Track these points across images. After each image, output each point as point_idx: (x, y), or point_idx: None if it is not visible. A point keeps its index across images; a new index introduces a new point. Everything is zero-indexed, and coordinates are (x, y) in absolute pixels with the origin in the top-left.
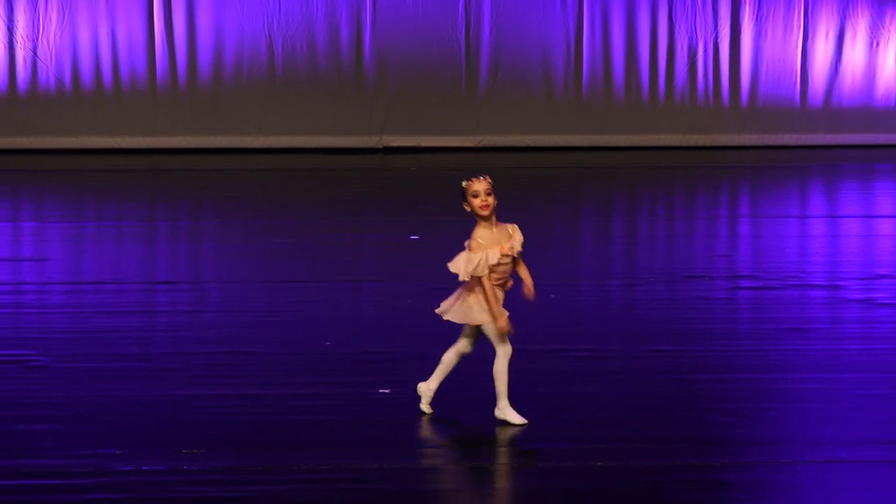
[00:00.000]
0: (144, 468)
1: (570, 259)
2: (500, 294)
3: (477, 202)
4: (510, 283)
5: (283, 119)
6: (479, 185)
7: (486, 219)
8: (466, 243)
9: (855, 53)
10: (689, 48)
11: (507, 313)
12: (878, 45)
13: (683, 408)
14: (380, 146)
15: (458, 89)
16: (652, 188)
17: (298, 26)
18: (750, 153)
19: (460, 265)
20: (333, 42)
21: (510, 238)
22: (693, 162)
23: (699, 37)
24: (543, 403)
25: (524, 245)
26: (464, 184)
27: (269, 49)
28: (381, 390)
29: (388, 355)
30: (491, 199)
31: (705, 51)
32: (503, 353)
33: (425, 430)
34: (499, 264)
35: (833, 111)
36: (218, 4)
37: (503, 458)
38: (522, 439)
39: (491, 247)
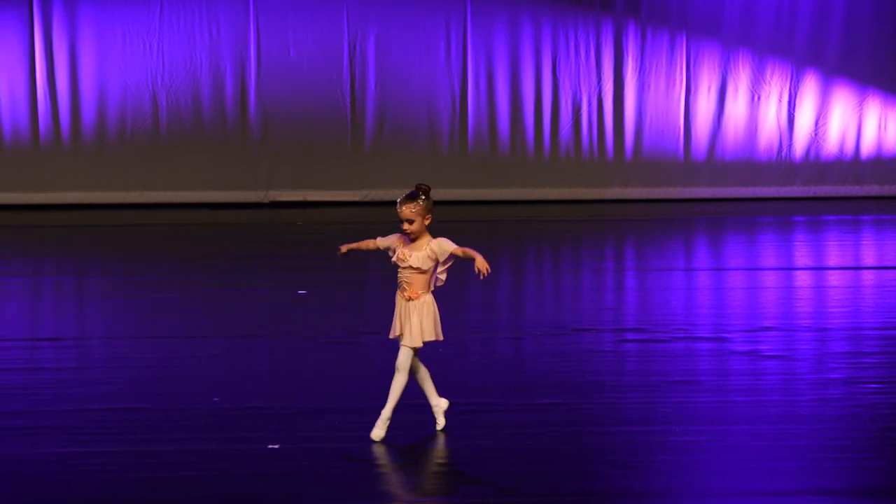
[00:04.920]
0: None
1: (457, 312)
2: (400, 298)
3: (403, 225)
4: (409, 293)
5: (169, 174)
6: (399, 211)
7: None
8: None
9: (737, 107)
10: (574, 102)
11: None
12: (759, 98)
13: (572, 461)
14: (266, 201)
15: (344, 143)
16: (538, 242)
17: (183, 81)
18: (635, 206)
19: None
20: (218, 96)
21: (419, 250)
22: (578, 216)
23: (583, 91)
24: (431, 457)
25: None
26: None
27: (154, 104)
28: (269, 445)
29: (276, 410)
30: (408, 227)
31: (589, 105)
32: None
33: (312, 485)
34: (399, 267)
35: (716, 164)
36: (101, 59)
37: None
38: (410, 493)
39: (396, 244)
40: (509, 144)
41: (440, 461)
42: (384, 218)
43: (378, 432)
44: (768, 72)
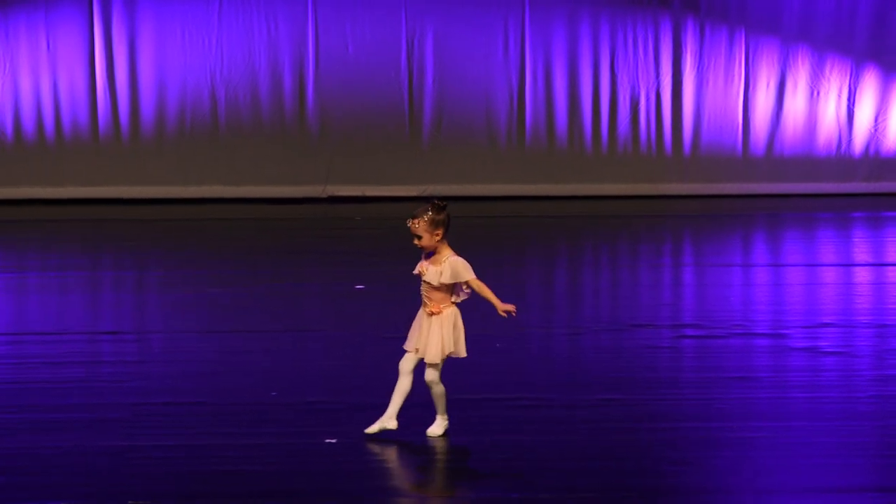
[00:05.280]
0: None
1: (515, 308)
2: (423, 312)
3: (413, 240)
4: (431, 308)
5: (227, 169)
6: (409, 226)
7: (425, 252)
8: None
9: (796, 103)
10: (632, 98)
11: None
12: (818, 94)
13: (630, 457)
14: (324, 196)
15: (402, 139)
16: (595, 237)
17: (241, 76)
18: (692, 202)
19: None
20: (276, 92)
21: (436, 265)
22: (636, 211)
23: (641, 86)
24: (492, 453)
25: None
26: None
27: (212, 99)
28: (326, 440)
29: (333, 405)
30: (417, 242)
31: (647, 100)
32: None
33: (373, 480)
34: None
35: (775, 160)
36: (160, 54)
37: None
38: (473, 489)
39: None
40: (567, 140)
41: (498, 456)
42: None
43: (435, 429)
44: (827, 67)
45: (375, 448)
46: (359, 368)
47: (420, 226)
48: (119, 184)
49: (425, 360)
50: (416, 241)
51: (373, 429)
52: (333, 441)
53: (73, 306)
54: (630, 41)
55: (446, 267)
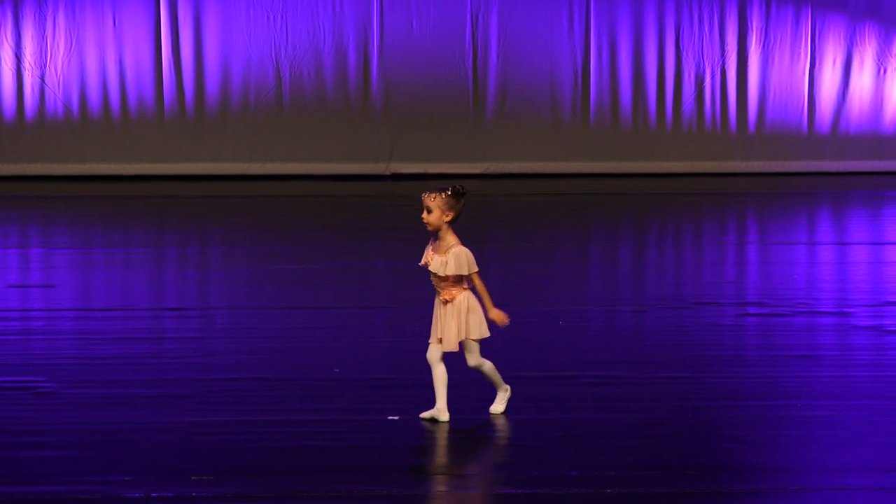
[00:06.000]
0: (153, 495)
1: (578, 286)
2: (438, 301)
3: (422, 214)
4: (444, 296)
5: (291, 146)
6: (422, 198)
7: (432, 239)
8: None
9: (862, 80)
10: (697, 75)
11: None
12: (885, 72)
13: (692, 434)
14: (388, 173)
15: (466, 116)
16: (660, 215)
17: (306, 53)
18: (757, 180)
19: None
20: (341, 69)
21: (440, 253)
22: (701, 188)
23: (706, 63)
24: (552, 430)
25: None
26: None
27: (277, 76)
28: (389, 417)
29: (396, 382)
30: (425, 216)
31: (712, 77)
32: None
33: (434, 457)
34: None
35: (840, 138)
36: (225, 31)
37: (512, 485)
38: (533, 466)
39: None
40: (631, 117)
41: (560, 434)
42: (505, 190)
43: (498, 406)
44: (895, 45)
45: (437, 426)
46: (422, 345)
47: (436, 201)
48: (183, 160)
49: (444, 349)
50: (424, 215)
51: (425, 415)
52: (396, 418)
53: (138, 282)
54: (696, 18)
55: (451, 257)
